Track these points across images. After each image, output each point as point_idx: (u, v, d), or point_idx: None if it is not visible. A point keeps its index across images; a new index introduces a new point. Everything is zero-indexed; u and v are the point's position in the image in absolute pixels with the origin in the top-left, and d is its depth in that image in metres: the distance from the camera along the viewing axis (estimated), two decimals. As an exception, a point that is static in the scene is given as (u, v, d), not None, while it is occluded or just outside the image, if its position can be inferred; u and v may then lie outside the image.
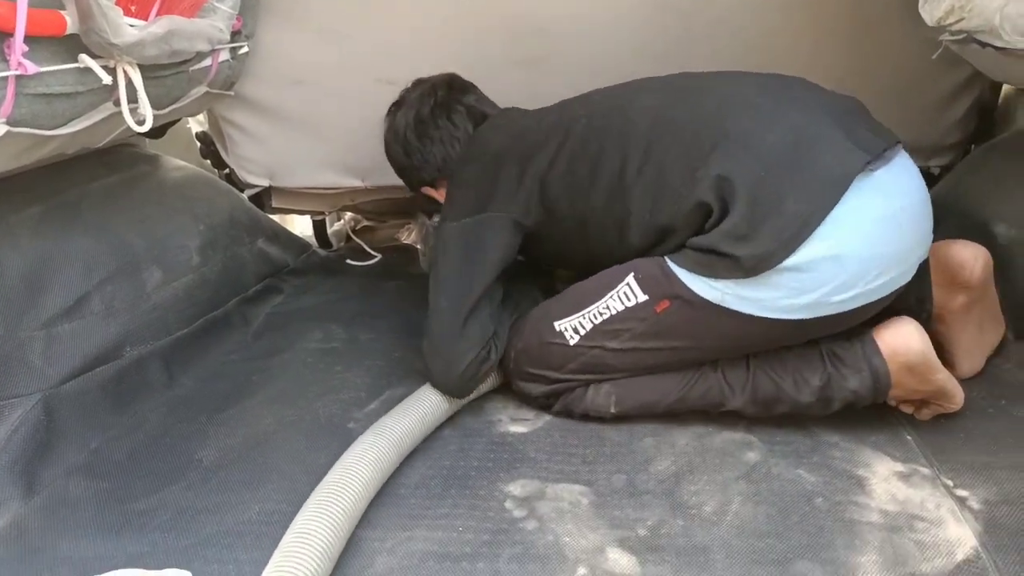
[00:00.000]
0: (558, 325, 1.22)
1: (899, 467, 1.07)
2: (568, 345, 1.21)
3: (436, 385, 1.23)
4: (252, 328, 1.63)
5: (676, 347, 1.16)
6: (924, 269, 1.19)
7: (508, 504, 1.04)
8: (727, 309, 1.08)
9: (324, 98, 1.80)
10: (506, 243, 1.26)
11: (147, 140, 1.74)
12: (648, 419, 1.22)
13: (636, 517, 1.00)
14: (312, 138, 1.88)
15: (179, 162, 1.77)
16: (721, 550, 0.94)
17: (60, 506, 1.07)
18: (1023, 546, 0.91)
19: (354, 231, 2.42)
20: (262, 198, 2.04)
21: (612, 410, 1.22)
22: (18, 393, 1.13)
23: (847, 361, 1.12)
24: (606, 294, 1.17)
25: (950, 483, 1.03)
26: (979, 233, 1.38)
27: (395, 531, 0.99)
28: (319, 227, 2.27)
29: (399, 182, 1.56)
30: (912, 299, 1.19)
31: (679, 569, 0.91)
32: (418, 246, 2.17)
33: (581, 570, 0.92)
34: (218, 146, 1.96)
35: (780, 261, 1.02)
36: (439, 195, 1.46)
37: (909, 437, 1.14)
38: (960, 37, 1.27)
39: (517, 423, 1.25)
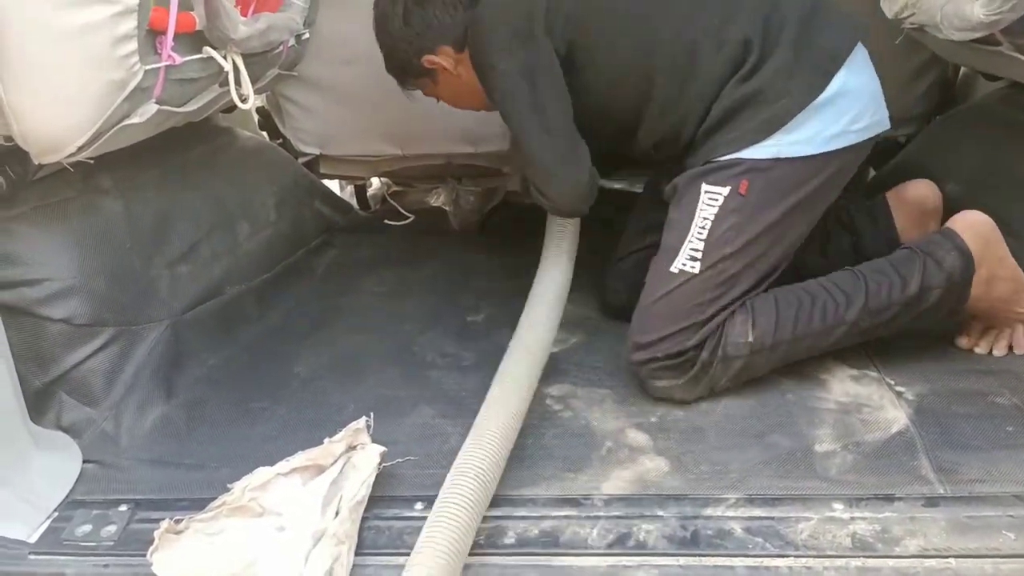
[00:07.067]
0: (674, 267, 1.29)
1: (853, 372, 1.36)
2: (695, 275, 1.27)
3: (559, 209, 1.31)
4: (318, 275, 1.92)
5: (776, 223, 1.27)
6: (886, 216, 1.49)
7: (548, 401, 1.33)
8: (788, 159, 1.26)
9: (372, 76, 2.05)
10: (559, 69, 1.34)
11: (220, 114, 2.01)
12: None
13: (648, 410, 1.29)
14: (359, 111, 2.12)
15: (248, 133, 2.04)
16: (713, 429, 1.23)
17: (195, 405, 1.36)
18: (942, 423, 1.20)
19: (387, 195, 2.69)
20: (312, 165, 2.30)
21: (749, 338, 1.26)
22: (153, 319, 1.41)
23: (935, 246, 1.30)
24: (695, 210, 1.28)
25: (892, 382, 1.32)
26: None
27: (464, 419, 1.28)
28: (360, 191, 2.54)
29: (434, 150, 1.70)
30: (883, 246, 1.44)
31: (681, 443, 1.20)
32: (446, 208, 2.45)
33: (608, 443, 1.21)
34: (275, 119, 2.23)
35: (820, 92, 1.25)
36: (443, 60, 1.43)
37: (864, 352, 1.42)
38: (914, 27, 1.54)
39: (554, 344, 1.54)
